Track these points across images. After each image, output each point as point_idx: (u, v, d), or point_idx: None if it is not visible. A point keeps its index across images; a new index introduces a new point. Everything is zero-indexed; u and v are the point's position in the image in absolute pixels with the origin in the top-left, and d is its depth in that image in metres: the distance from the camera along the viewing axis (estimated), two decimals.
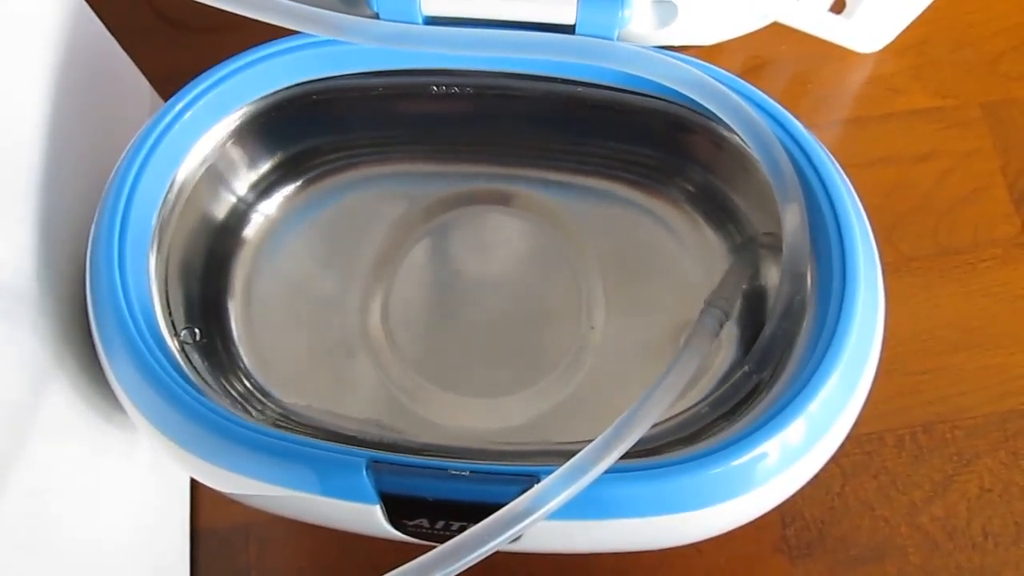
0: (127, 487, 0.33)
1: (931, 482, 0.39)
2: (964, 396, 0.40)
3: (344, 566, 0.38)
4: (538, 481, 0.25)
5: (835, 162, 0.31)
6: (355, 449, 0.26)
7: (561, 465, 0.25)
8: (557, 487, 0.24)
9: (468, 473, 0.26)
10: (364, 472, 0.26)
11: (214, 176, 0.34)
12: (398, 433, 0.33)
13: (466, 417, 0.34)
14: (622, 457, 0.25)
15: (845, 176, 0.31)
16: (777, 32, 0.43)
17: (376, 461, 0.26)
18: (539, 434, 0.34)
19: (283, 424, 0.32)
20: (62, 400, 0.29)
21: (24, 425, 0.26)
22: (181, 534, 0.37)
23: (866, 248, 0.29)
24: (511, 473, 0.26)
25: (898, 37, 0.45)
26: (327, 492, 0.26)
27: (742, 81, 0.32)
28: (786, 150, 0.30)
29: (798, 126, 0.31)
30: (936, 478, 0.39)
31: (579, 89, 0.33)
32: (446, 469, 0.26)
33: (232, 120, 0.33)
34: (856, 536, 0.38)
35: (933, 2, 0.43)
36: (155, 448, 0.28)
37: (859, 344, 0.27)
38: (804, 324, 0.29)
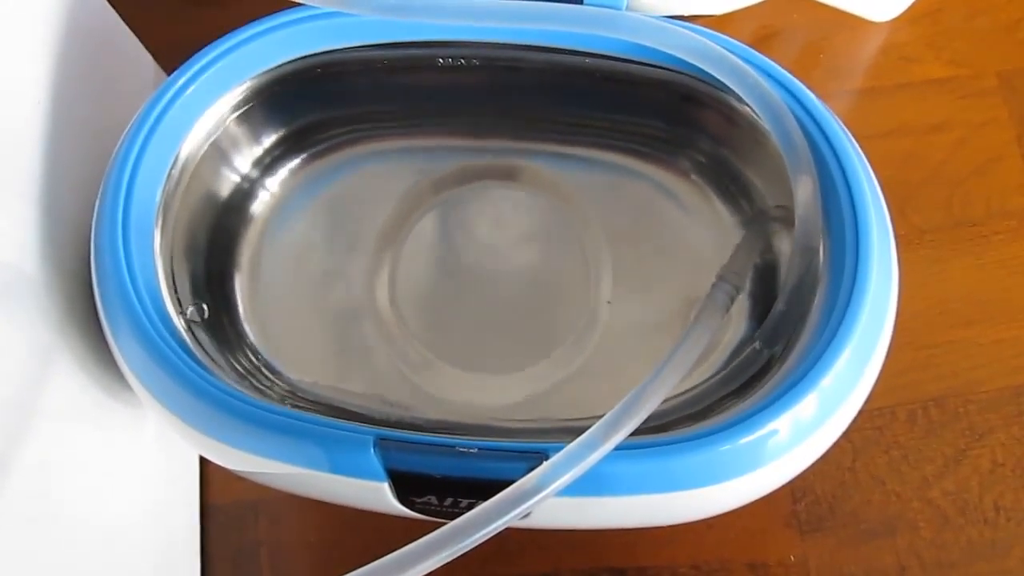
0: (135, 464, 0.33)
1: (943, 457, 0.38)
2: (977, 370, 0.40)
3: (353, 540, 0.38)
4: (547, 458, 0.25)
5: (848, 133, 0.30)
6: (362, 426, 0.26)
7: (570, 442, 0.25)
8: (566, 464, 0.24)
9: (476, 450, 0.26)
10: (372, 449, 0.26)
11: (218, 152, 0.34)
12: (404, 409, 0.33)
13: (473, 392, 0.34)
14: (631, 434, 0.25)
15: (858, 148, 0.30)
16: (789, 0, 0.43)
17: (383, 438, 0.26)
18: (547, 410, 0.34)
19: (290, 401, 0.32)
20: (68, 378, 0.29)
21: (30, 404, 0.26)
22: (191, 510, 0.37)
23: (879, 221, 0.29)
24: (519, 450, 0.26)
25: (912, 5, 0.44)
26: (334, 469, 0.26)
27: (753, 51, 0.31)
28: (798, 122, 0.29)
29: (811, 97, 0.30)
30: (948, 453, 0.38)
31: (587, 60, 0.33)
32: (454, 446, 0.26)
33: (235, 94, 0.33)
34: (867, 511, 0.38)
35: None
36: (162, 426, 0.28)
37: (872, 319, 0.27)
38: (816, 298, 0.28)
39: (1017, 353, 0.40)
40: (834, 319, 0.27)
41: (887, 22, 0.45)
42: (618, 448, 0.25)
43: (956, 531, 0.37)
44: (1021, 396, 0.39)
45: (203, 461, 0.39)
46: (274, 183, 0.37)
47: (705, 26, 0.32)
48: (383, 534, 0.37)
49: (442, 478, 0.26)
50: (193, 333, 0.30)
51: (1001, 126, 0.43)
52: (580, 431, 0.25)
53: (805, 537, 0.38)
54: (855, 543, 0.37)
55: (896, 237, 0.30)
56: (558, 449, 0.25)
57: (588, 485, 0.25)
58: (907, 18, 0.45)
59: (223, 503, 0.38)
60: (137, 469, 0.33)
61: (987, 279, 0.41)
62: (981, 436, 0.39)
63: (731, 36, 0.31)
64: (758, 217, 0.34)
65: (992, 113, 0.43)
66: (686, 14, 0.38)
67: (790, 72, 0.31)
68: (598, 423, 0.25)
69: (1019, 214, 0.42)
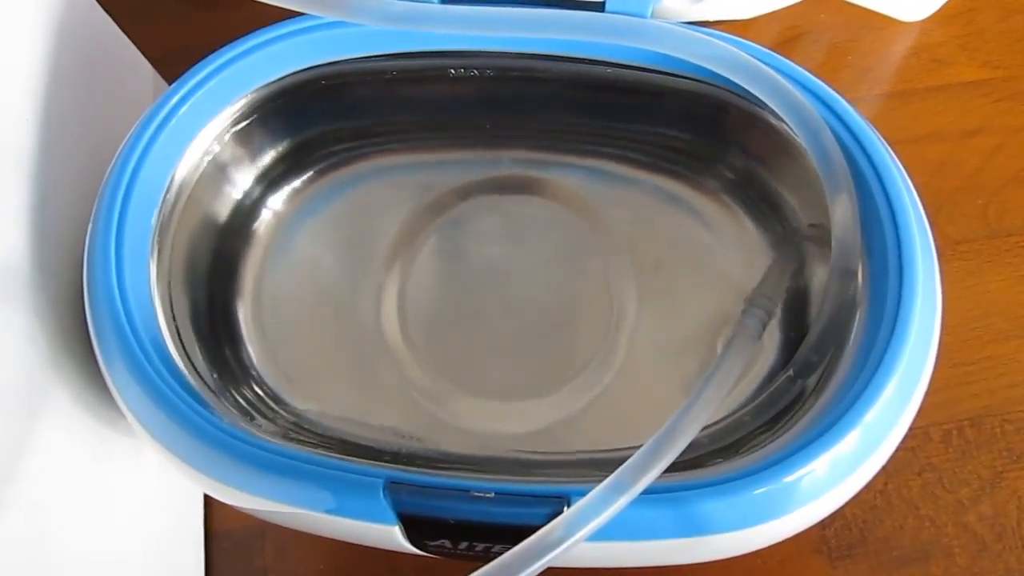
0: (136, 493, 0.32)
1: (979, 479, 0.37)
2: (1015, 388, 0.38)
3: (363, 567, 0.37)
4: (568, 503, 0.24)
5: (888, 146, 0.29)
6: (372, 468, 0.25)
7: (592, 476, 0.24)
8: (592, 511, 0.23)
9: (492, 495, 0.24)
10: (382, 493, 0.24)
11: (217, 169, 0.33)
12: (417, 441, 0.32)
13: (489, 421, 0.33)
14: None
15: (898, 160, 0.29)
16: (815, 0, 0.41)
17: (394, 481, 0.25)
18: (567, 438, 0.32)
19: (296, 434, 0.31)
20: (62, 409, 0.28)
21: (24, 436, 0.25)
22: (195, 537, 0.37)
23: (923, 240, 0.27)
24: (539, 494, 0.24)
25: (945, 4, 0.43)
26: (343, 513, 0.25)
27: (783, 59, 0.30)
28: (835, 135, 0.28)
29: (847, 107, 0.29)
30: (984, 475, 0.37)
31: (608, 70, 0.32)
32: (468, 490, 0.25)
33: (236, 109, 0.32)
34: (899, 536, 0.37)
35: None
36: (162, 463, 0.27)
37: (918, 346, 0.26)
38: (855, 325, 0.27)
39: None
40: (877, 348, 0.25)
41: (918, 22, 0.44)
42: (647, 491, 0.23)
43: (993, 558, 0.36)
44: None
45: None
46: (277, 201, 0.36)
47: (727, 29, 0.31)
48: (393, 561, 0.37)
49: (456, 523, 0.25)
50: (192, 364, 0.29)
51: None
52: (604, 463, 0.24)
53: (835, 564, 0.36)
54: (887, 570, 0.36)
55: None
56: (581, 492, 0.23)
57: (615, 529, 0.24)
58: (939, 18, 0.44)
59: (228, 529, 0.37)
60: (138, 497, 0.32)
61: None
62: (1019, 457, 0.37)
63: (754, 38, 0.30)
64: (790, 237, 0.33)
65: None
66: (712, 20, 0.37)
67: (822, 79, 0.30)
68: (625, 465, 0.24)
69: None
